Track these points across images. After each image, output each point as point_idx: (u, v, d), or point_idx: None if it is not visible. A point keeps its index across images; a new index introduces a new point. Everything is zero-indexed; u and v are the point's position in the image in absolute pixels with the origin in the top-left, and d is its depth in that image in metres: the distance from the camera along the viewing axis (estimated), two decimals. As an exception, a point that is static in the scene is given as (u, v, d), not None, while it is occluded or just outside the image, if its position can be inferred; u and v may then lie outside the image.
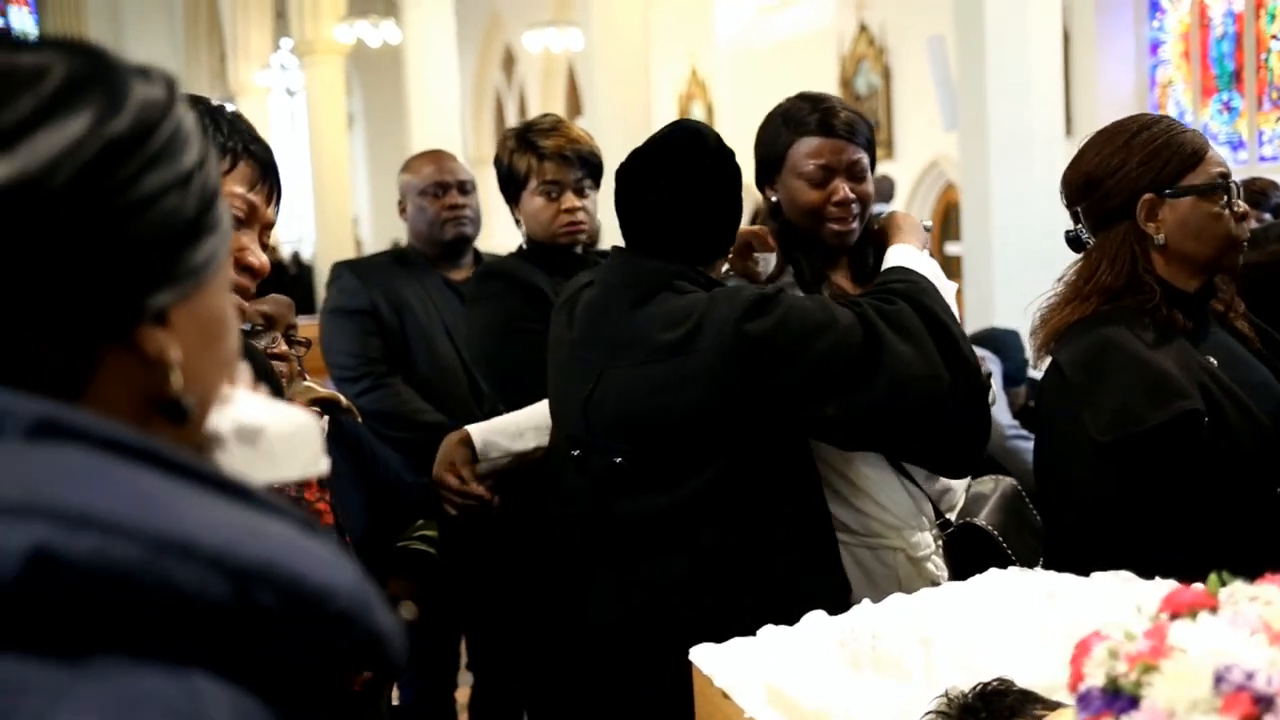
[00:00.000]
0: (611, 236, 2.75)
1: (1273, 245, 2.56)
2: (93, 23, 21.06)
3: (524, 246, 2.82)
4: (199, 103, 1.40)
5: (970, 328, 4.16)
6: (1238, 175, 2.15)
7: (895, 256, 2.21)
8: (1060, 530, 2.08)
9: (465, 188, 3.30)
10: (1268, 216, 3.16)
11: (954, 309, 2.19)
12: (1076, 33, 9.92)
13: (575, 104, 15.62)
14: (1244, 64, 9.46)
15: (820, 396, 1.99)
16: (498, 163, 2.78)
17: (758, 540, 2.03)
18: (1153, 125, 2.06)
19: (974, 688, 1.39)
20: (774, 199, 2.30)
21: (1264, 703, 0.87)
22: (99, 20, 20.91)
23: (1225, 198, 2.01)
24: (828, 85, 12.32)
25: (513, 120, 18.69)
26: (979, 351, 2.32)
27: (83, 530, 0.57)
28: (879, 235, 2.31)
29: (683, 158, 2.10)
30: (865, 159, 2.24)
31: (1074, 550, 1.95)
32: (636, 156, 2.15)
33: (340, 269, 3.37)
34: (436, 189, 3.31)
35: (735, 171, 2.14)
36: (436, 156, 3.43)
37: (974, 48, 6.29)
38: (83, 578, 0.57)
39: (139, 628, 0.58)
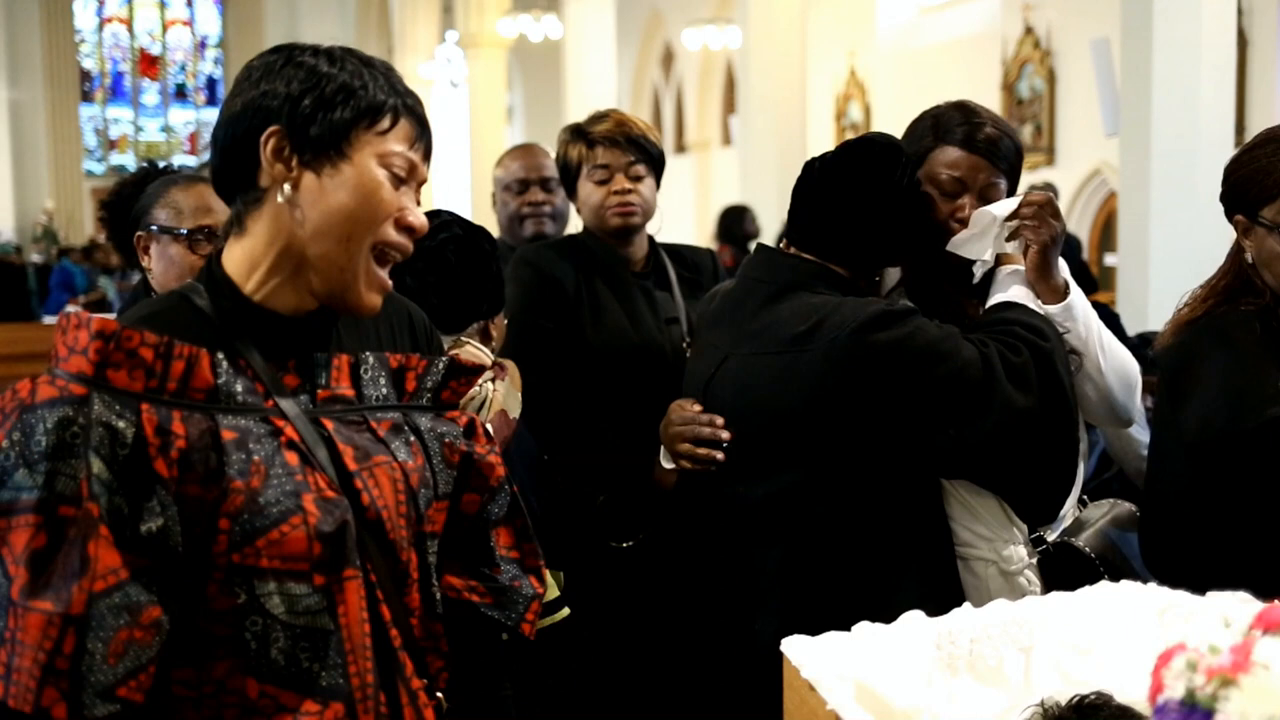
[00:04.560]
0: (671, 227, 2.74)
1: None
2: (270, 15, 21.92)
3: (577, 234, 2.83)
4: (352, 55, 1.42)
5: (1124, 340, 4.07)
6: None
7: (1016, 293, 2.17)
8: (1150, 529, 2.07)
9: (549, 185, 3.30)
10: None
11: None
12: (1256, 37, 9.52)
13: (732, 102, 15.62)
14: None
15: (929, 422, 2.01)
16: (557, 159, 2.80)
17: (850, 546, 2.04)
18: (1270, 142, 2.03)
19: (1071, 700, 1.37)
20: None
21: (1341, 724, 0.84)
22: (277, 13, 21.74)
23: None
24: (990, 88, 12.07)
25: (669, 117, 18.79)
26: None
27: None
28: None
29: (877, 167, 2.12)
30: (1003, 184, 2.21)
31: (1161, 552, 1.95)
32: (831, 155, 2.18)
33: None
34: (520, 185, 3.32)
35: (920, 196, 2.15)
36: (526, 152, 3.42)
37: (1140, 50, 6.08)
38: None
39: None
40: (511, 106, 19.08)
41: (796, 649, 1.49)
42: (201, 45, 23.52)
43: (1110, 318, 5.58)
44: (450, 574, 1.55)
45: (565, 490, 2.54)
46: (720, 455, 2.17)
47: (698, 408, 2.22)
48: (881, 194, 2.11)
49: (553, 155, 2.93)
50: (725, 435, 2.16)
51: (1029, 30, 11.95)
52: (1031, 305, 2.14)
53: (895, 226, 2.13)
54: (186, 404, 1.28)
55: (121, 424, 1.23)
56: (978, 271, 2.20)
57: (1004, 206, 2.16)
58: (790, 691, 1.48)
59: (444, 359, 1.54)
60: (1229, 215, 2.09)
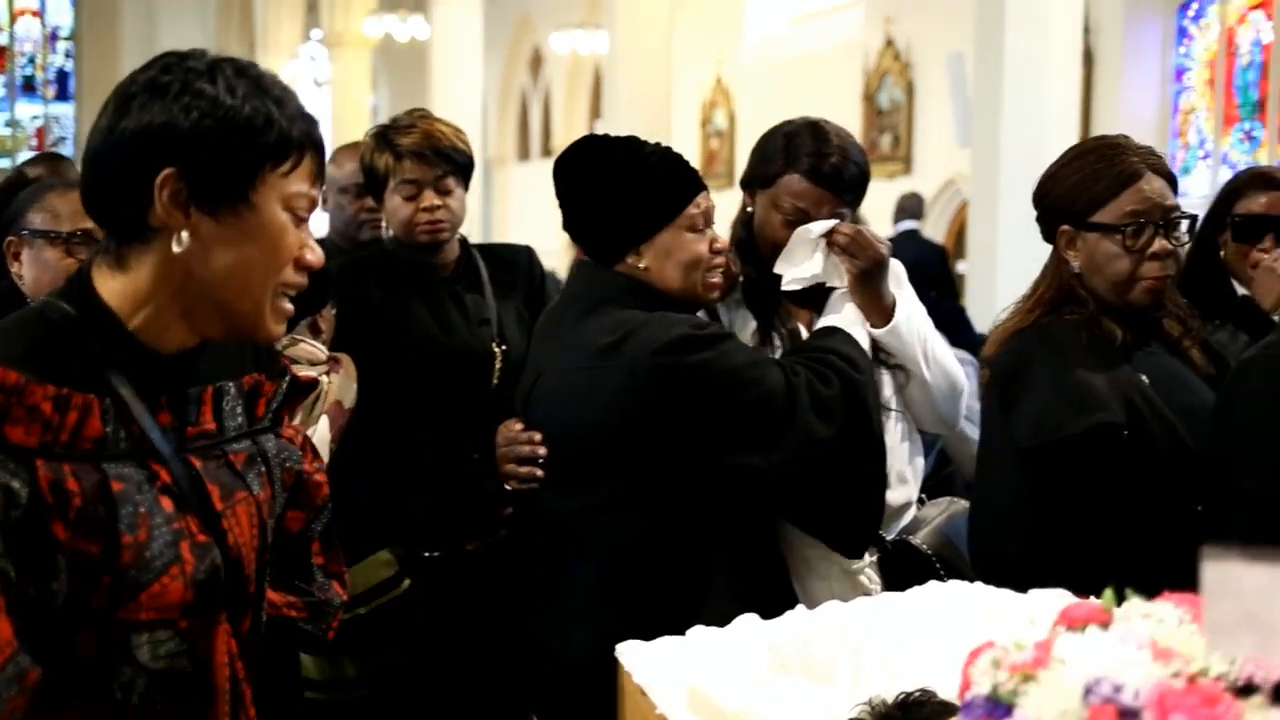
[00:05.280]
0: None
1: None
2: (127, 8, 21.23)
3: (387, 245, 2.80)
4: (246, 77, 1.31)
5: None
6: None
7: (834, 310, 2.23)
8: (979, 533, 2.13)
9: None
10: None
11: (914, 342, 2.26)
12: (1102, 55, 9.90)
13: (599, 107, 15.66)
14: (1269, 94, 9.41)
15: (728, 447, 2.04)
16: (361, 161, 2.73)
17: (658, 561, 2.07)
18: (1090, 153, 2.10)
19: (897, 697, 1.40)
20: (749, 209, 2.35)
21: (1129, 716, 0.87)
22: (134, 5, 21.07)
23: (1134, 238, 2.03)
24: (852, 98, 12.32)
25: (537, 122, 18.74)
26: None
27: None
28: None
29: (589, 161, 2.17)
30: (846, 212, 2.27)
31: (991, 554, 2.02)
32: (559, 157, 2.23)
33: None
34: (357, 189, 3.13)
35: (627, 174, 2.15)
36: (359, 153, 3.01)
37: (991, 66, 6.28)
38: None
39: None
40: (377, 106, 18.82)
41: (630, 654, 1.49)
42: (52, 37, 22.63)
43: (961, 319, 5.75)
44: (270, 590, 1.51)
45: (386, 499, 2.53)
46: (540, 473, 2.21)
47: (519, 426, 2.26)
48: (593, 183, 2.15)
49: None
50: (542, 451, 2.20)
51: (890, 43, 12.23)
52: (859, 327, 2.20)
53: (616, 213, 2.14)
54: (78, 456, 1.23)
55: (15, 484, 1.18)
56: (792, 287, 2.26)
57: (820, 226, 2.22)
58: (624, 697, 1.49)
59: (287, 378, 1.51)
60: (1049, 230, 2.16)
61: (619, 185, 2.13)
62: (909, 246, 7.14)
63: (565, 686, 2.08)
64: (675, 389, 2.01)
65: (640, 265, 2.13)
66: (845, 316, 2.22)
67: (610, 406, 2.04)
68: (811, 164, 2.23)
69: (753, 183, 2.34)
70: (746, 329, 2.33)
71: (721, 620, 1.64)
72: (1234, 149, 9.65)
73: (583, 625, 2.08)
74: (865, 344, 2.20)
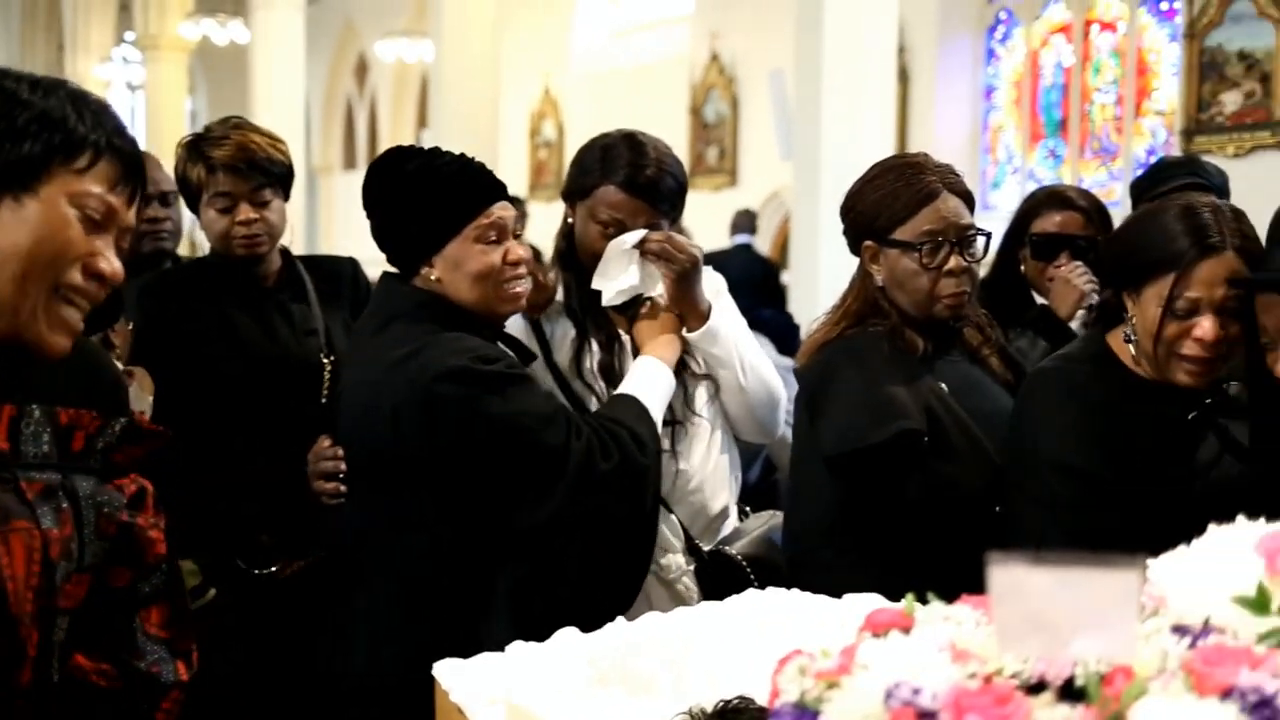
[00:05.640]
0: (301, 243, 2.74)
1: None
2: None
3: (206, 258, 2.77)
4: (64, 88, 1.31)
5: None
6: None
7: (641, 374, 2.22)
8: (794, 539, 2.19)
9: (167, 199, 3.05)
10: None
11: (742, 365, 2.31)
12: (917, 73, 10.25)
13: (426, 116, 15.49)
14: (1070, 114, 9.89)
15: (493, 491, 2.03)
16: (176, 172, 2.69)
17: (432, 584, 2.07)
18: (891, 172, 2.17)
19: (716, 705, 1.42)
20: (570, 220, 2.37)
21: (926, 717, 0.90)
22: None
23: (930, 255, 2.11)
24: (678, 112, 12.47)
25: (363, 130, 18.44)
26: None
27: None
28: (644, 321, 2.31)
29: (382, 172, 2.15)
30: (664, 223, 2.30)
31: (806, 559, 2.08)
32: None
33: None
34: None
35: (416, 184, 2.12)
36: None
37: (811, 83, 6.44)
38: None
39: None
40: (195, 112, 18.23)
41: (447, 672, 1.47)
42: None
43: (791, 329, 5.88)
44: (83, 653, 1.40)
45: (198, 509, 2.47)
46: (343, 488, 2.21)
47: (328, 441, 2.27)
48: (387, 194, 2.13)
49: (168, 166, 2.80)
50: (342, 466, 2.21)
51: (715, 58, 12.44)
52: (660, 389, 2.19)
53: (405, 223, 2.12)
54: None
55: None
56: (613, 301, 2.29)
57: (633, 236, 2.25)
58: (441, 716, 1.47)
59: (122, 420, 1.42)
60: (855, 244, 2.22)
61: (408, 195, 2.10)
62: (741, 260, 7.29)
63: (375, 707, 2.05)
64: (446, 420, 1.99)
65: (433, 277, 2.10)
66: (646, 381, 2.20)
67: (392, 423, 2.02)
68: (627, 175, 2.25)
69: (572, 195, 2.36)
70: (567, 339, 2.34)
71: (498, 645, 1.63)
72: (1040, 165, 10.10)
73: (360, 648, 2.07)
74: (660, 409, 2.19)
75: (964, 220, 2.14)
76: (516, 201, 2.23)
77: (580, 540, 2.07)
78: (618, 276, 2.26)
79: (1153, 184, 3.06)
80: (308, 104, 14.22)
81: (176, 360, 2.53)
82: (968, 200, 2.19)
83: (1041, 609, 0.84)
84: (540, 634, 1.65)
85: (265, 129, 2.67)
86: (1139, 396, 1.97)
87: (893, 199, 2.14)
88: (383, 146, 17.84)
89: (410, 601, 2.05)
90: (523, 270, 2.14)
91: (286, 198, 2.65)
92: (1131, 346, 2.01)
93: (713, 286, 2.39)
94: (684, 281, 2.25)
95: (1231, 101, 8.16)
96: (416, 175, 2.10)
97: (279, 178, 2.61)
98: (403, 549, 2.07)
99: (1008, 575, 0.84)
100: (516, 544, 2.08)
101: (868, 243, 2.19)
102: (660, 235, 2.24)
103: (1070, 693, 0.92)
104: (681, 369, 2.29)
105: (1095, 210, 2.95)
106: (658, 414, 2.17)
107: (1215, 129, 8.20)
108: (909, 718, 0.90)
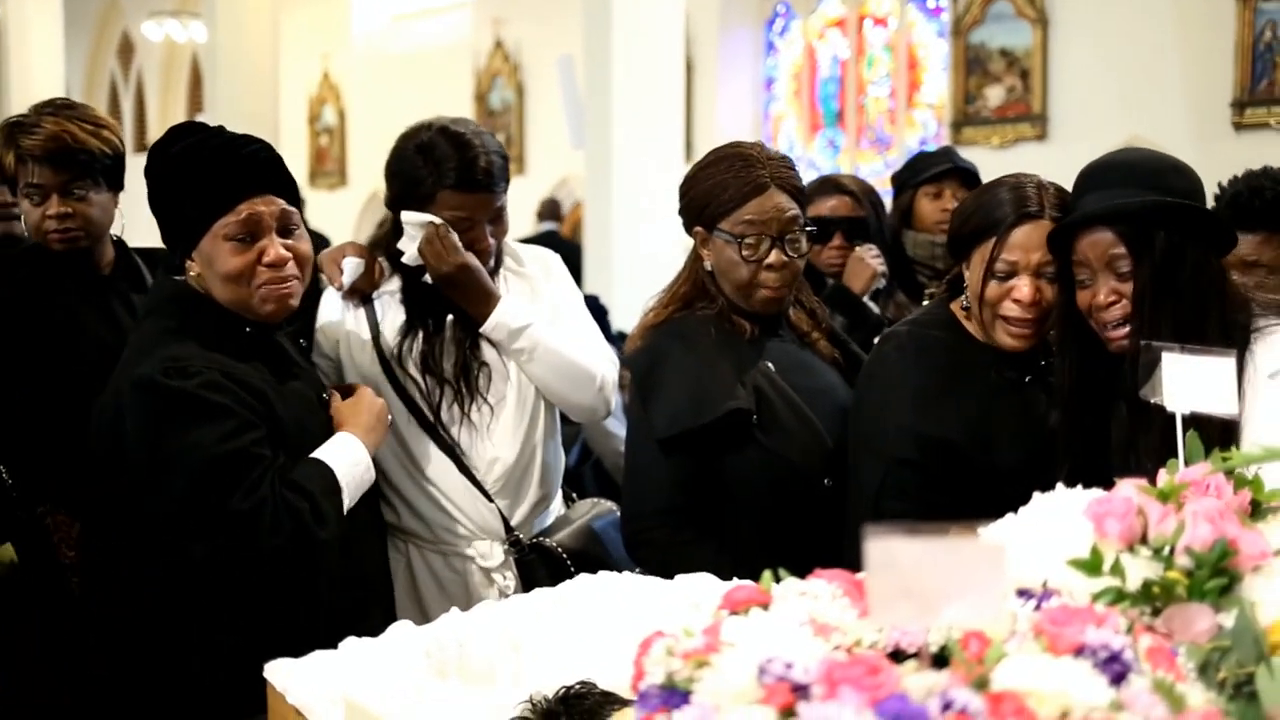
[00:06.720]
0: (134, 235, 2.62)
1: None
2: None
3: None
4: None
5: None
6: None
7: (340, 447, 2.03)
8: (630, 519, 2.22)
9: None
10: None
11: None
12: (700, 63, 10.41)
13: (199, 100, 14.85)
14: (846, 105, 10.24)
15: (163, 518, 1.91)
16: None
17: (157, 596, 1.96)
18: (724, 160, 2.21)
19: (558, 691, 1.40)
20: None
21: (801, 691, 0.91)
22: None
23: (751, 248, 2.16)
24: (463, 99, 12.32)
25: (129, 112, 17.54)
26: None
27: None
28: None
29: (151, 154, 2.01)
30: (503, 201, 2.29)
31: (641, 539, 2.12)
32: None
33: None
34: None
35: (181, 174, 1.98)
36: None
37: (600, 70, 6.47)
38: None
39: None
40: (-60, 92, 16.99)
41: (279, 673, 1.41)
42: None
43: (600, 311, 5.91)
44: None
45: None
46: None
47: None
48: (151, 179, 2.00)
49: None
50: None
51: (499, 44, 12.34)
52: (360, 465, 2.03)
53: (164, 213, 2.01)
54: None
55: None
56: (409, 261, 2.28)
57: (420, 217, 2.24)
58: (276, 718, 1.41)
59: None
60: (688, 228, 2.25)
61: (166, 183, 1.99)
62: (550, 246, 7.29)
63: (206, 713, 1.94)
64: (131, 424, 1.88)
65: (193, 273, 2.00)
66: (347, 458, 2.03)
67: (114, 423, 1.92)
68: (460, 176, 2.21)
69: (405, 203, 2.28)
70: (396, 324, 2.30)
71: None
72: (820, 154, 10.42)
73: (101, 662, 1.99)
74: (352, 487, 2.01)
75: (787, 215, 2.17)
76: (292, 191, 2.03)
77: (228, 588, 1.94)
78: (410, 246, 2.26)
79: (912, 174, 3.36)
80: (68, 86, 13.44)
81: (16, 346, 2.42)
82: (798, 194, 2.22)
83: (911, 580, 0.86)
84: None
85: (94, 112, 2.51)
86: (981, 359, 2.08)
87: (721, 189, 2.17)
88: (152, 131, 17.11)
89: (140, 615, 1.96)
90: (286, 271, 1.97)
91: (116, 188, 2.50)
92: (969, 314, 2.11)
93: (545, 266, 2.42)
94: (449, 284, 2.24)
95: (995, 96, 8.63)
96: (177, 160, 1.96)
97: (101, 169, 2.44)
98: (128, 561, 1.98)
99: (883, 547, 0.86)
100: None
101: (698, 228, 2.22)
102: (434, 235, 2.21)
103: (938, 660, 0.94)
104: (481, 347, 2.29)
105: (864, 193, 3.21)
106: (349, 489, 2.00)
107: (981, 121, 8.66)
108: (784, 692, 0.91)
